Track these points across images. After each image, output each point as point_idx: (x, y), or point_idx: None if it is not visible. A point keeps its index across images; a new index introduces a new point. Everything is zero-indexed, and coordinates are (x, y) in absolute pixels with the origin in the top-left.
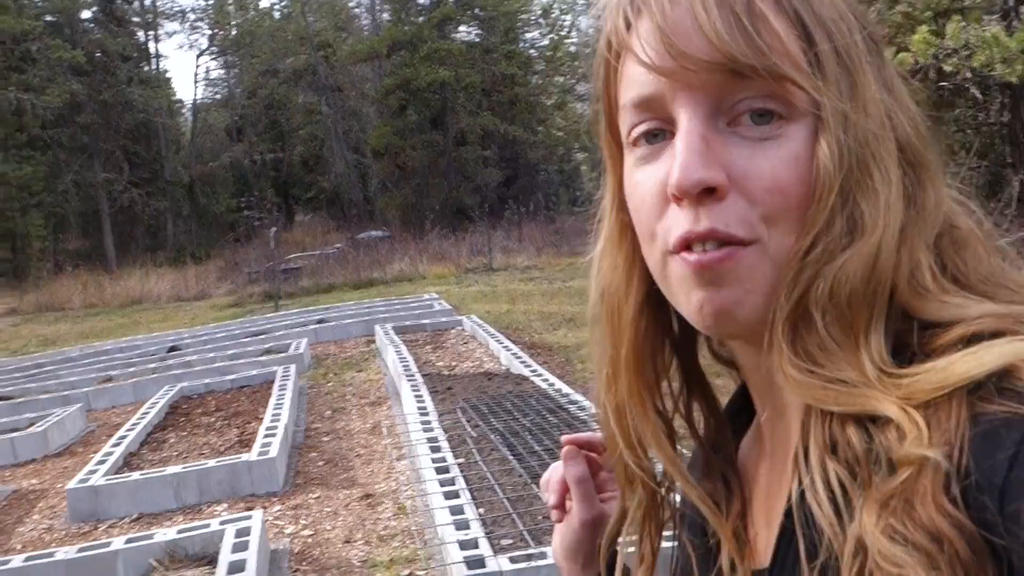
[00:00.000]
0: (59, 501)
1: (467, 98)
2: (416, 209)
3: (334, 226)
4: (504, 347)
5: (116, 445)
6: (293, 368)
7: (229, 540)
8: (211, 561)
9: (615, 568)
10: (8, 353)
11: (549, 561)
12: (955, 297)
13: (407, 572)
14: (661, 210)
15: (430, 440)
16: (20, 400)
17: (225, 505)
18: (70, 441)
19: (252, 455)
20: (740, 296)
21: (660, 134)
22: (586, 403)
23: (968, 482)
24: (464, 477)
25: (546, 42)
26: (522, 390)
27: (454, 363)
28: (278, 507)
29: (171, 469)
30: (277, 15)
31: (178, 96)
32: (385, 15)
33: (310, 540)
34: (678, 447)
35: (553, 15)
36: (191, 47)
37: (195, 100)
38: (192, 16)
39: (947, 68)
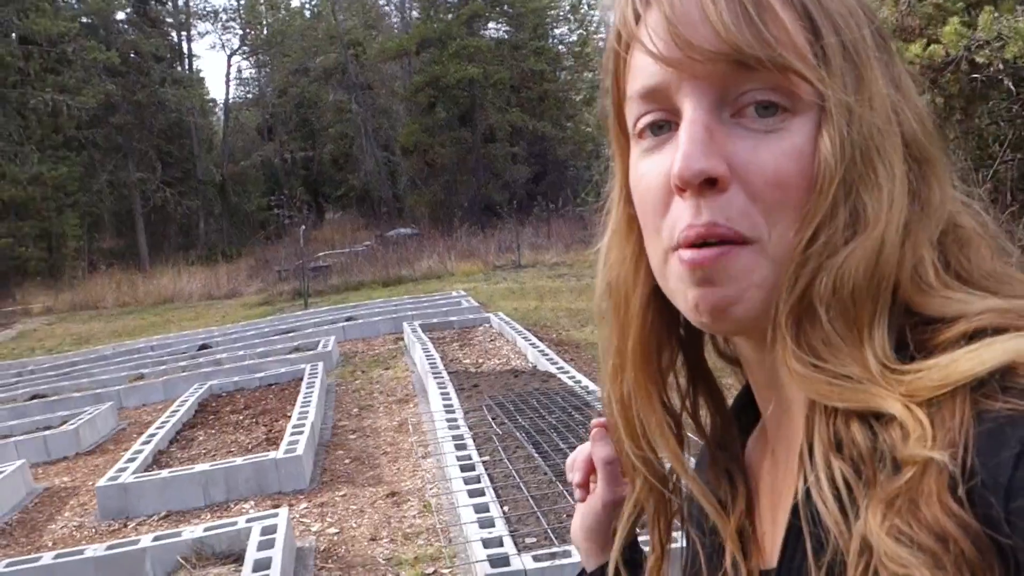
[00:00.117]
0: (90, 499)
1: (496, 94)
2: (445, 206)
3: (363, 224)
4: (531, 344)
5: (146, 443)
6: (321, 366)
7: (255, 538)
8: (237, 559)
9: (632, 561)
10: (43, 351)
11: (573, 560)
12: (958, 293)
13: (432, 570)
14: (666, 203)
15: (456, 438)
16: (53, 398)
17: (252, 503)
18: (101, 439)
19: (279, 453)
20: (736, 293)
21: (666, 125)
22: None
23: (973, 481)
24: (489, 475)
25: (575, 38)
26: (548, 387)
27: (481, 360)
28: (304, 505)
29: (199, 467)
30: (307, 14)
31: (210, 96)
32: (414, 12)
33: (336, 538)
34: (686, 442)
35: (582, 11)
36: (223, 47)
37: (227, 99)
38: (224, 16)
39: (979, 60)
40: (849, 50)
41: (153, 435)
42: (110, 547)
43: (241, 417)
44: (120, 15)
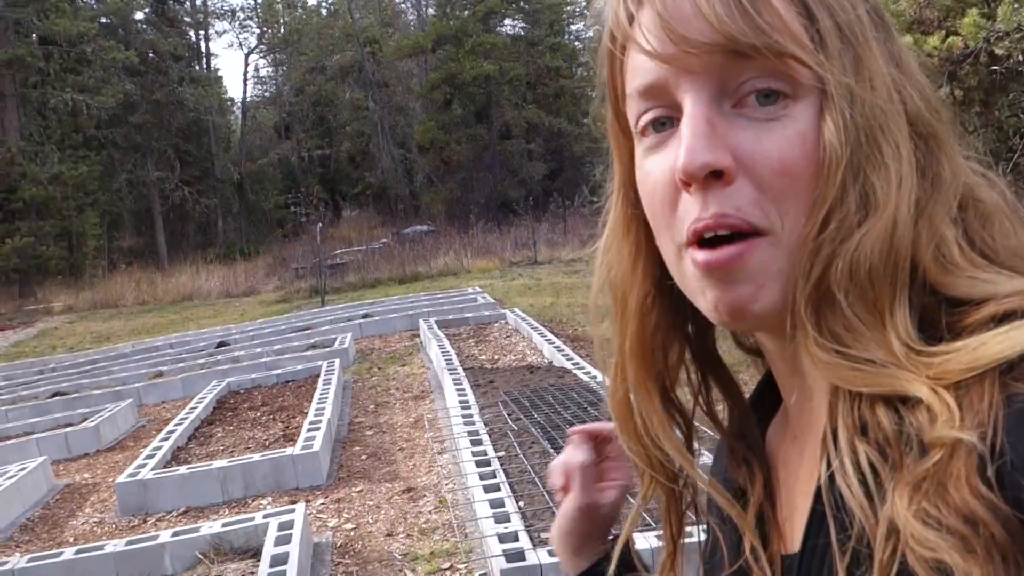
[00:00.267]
0: (110, 495)
1: (512, 91)
2: (461, 203)
3: (380, 221)
4: (547, 340)
5: (165, 440)
6: (338, 363)
7: (272, 533)
8: (255, 554)
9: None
10: (65, 349)
11: None
12: (985, 272)
13: (448, 565)
14: (674, 200)
15: (471, 433)
16: (74, 396)
17: (270, 499)
18: (121, 436)
19: (296, 449)
20: (753, 291)
21: (668, 122)
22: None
23: (1002, 463)
24: (505, 470)
25: (591, 34)
26: (564, 383)
27: (497, 357)
28: (321, 500)
29: (217, 463)
30: (324, 12)
31: (228, 94)
32: (430, 10)
33: (352, 533)
34: (694, 437)
35: (598, 6)
36: (240, 46)
37: (244, 98)
38: (241, 15)
39: (998, 51)
40: (845, 31)
41: (172, 432)
42: (130, 542)
43: (259, 414)
44: (139, 15)
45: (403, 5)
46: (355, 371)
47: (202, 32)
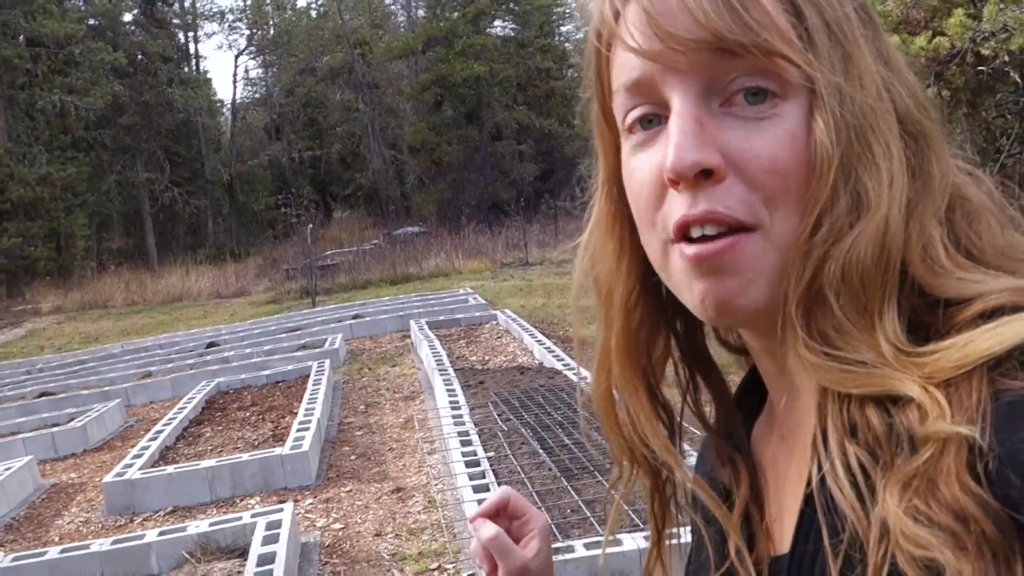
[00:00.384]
0: (97, 494)
1: (502, 93)
2: (452, 204)
3: (371, 222)
4: (537, 341)
5: (153, 439)
6: (328, 363)
7: (260, 533)
8: (242, 553)
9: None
10: (53, 350)
11: (578, 555)
12: (972, 273)
13: (436, 565)
14: (660, 197)
15: (461, 434)
16: (61, 396)
17: (258, 498)
18: (109, 436)
19: (285, 449)
20: (742, 285)
21: (655, 119)
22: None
23: (991, 459)
24: (494, 471)
25: (581, 35)
26: (554, 384)
27: (487, 357)
28: (310, 500)
29: (205, 463)
30: (314, 14)
31: (218, 96)
32: (420, 11)
33: (341, 533)
34: (679, 433)
35: (588, 8)
36: (230, 47)
37: (234, 99)
38: (231, 17)
39: (985, 52)
40: (834, 29)
41: (160, 431)
42: (115, 542)
43: (248, 414)
44: (127, 16)
45: (393, 6)
46: (345, 372)
47: (191, 33)
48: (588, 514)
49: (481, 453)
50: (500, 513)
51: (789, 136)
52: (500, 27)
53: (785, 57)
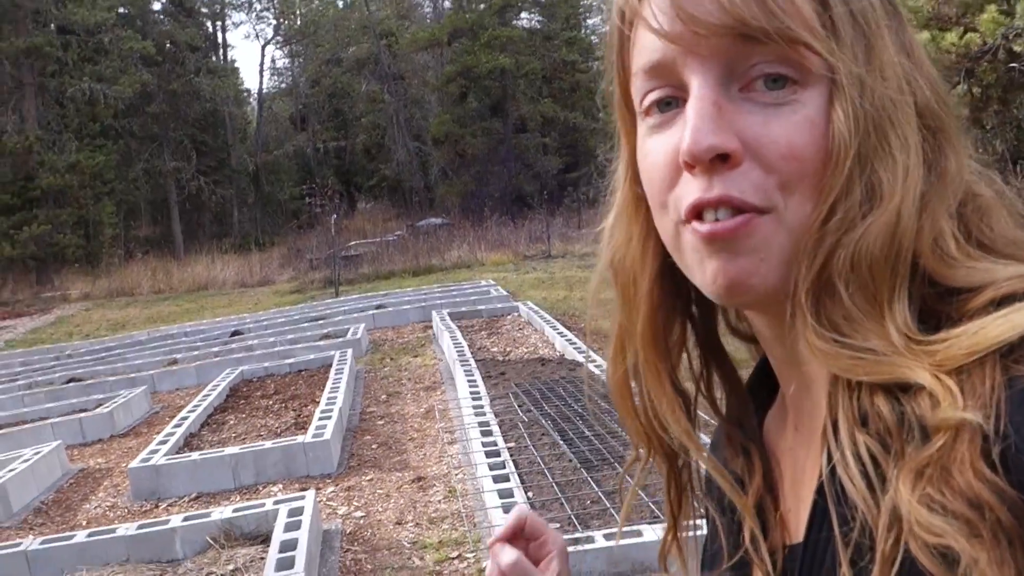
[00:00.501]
0: (123, 480)
1: (527, 85)
2: (475, 196)
3: (395, 214)
4: (559, 333)
5: (178, 426)
6: (350, 353)
7: (282, 519)
8: (265, 539)
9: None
10: (81, 337)
11: (597, 545)
12: (982, 262)
13: (456, 554)
14: (673, 179)
15: (482, 424)
16: (89, 382)
17: (280, 486)
18: (135, 422)
19: (307, 437)
20: (754, 265)
21: (673, 102)
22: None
23: (1007, 445)
24: (514, 461)
25: (607, 28)
26: (575, 376)
27: (509, 349)
28: (332, 488)
29: (229, 450)
30: (340, 4)
31: (244, 85)
32: (446, 2)
33: (362, 521)
34: (696, 420)
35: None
36: (257, 37)
37: (261, 89)
38: (258, 6)
39: (1016, 48)
40: (858, 19)
41: (185, 418)
42: (141, 526)
43: (271, 402)
44: (156, 5)
45: None
46: (367, 361)
47: (219, 23)
48: (608, 505)
49: (501, 443)
50: (517, 535)
51: (808, 123)
52: (526, 19)
53: (808, 46)
